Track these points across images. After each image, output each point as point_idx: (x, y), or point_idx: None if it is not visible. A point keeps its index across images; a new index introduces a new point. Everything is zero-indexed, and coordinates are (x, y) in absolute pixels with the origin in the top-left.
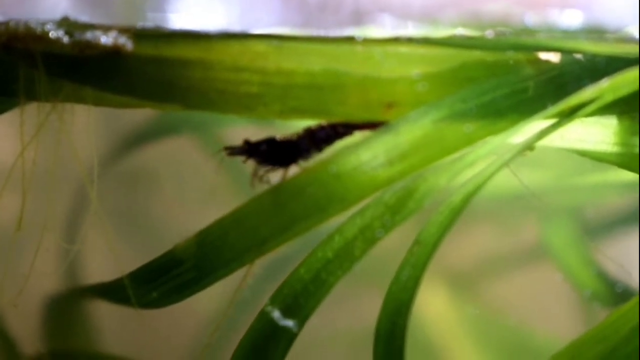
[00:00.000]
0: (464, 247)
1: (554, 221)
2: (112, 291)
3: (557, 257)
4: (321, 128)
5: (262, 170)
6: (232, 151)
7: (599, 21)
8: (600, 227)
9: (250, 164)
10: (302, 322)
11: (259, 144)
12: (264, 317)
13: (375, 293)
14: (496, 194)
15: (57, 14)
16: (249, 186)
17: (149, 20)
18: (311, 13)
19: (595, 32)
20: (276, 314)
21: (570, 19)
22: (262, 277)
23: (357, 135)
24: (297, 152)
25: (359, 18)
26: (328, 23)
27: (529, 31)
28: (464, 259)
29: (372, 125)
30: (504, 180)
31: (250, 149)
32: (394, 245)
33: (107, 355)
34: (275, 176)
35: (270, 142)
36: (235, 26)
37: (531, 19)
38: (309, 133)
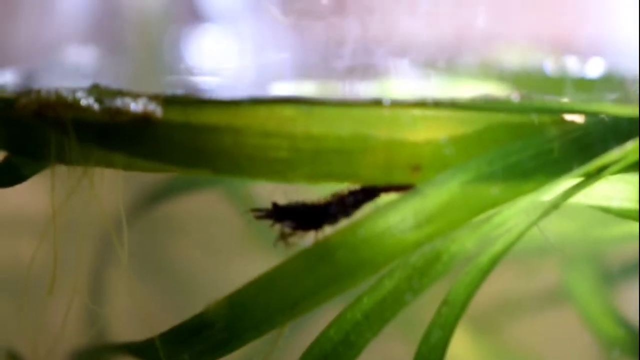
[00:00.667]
0: (485, 292)
1: (576, 270)
2: (144, 351)
3: (579, 304)
4: (350, 193)
5: (288, 233)
6: (260, 214)
7: (617, 66)
8: (621, 276)
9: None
10: None
11: (287, 208)
12: None
13: (399, 346)
14: (519, 243)
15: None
16: (276, 241)
17: (166, 71)
18: (326, 59)
19: (614, 79)
20: None
21: (589, 65)
22: (286, 335)
23: (384, 199)
24: (325, 217)
25: (375, 66)
26: (344, 71)
27: (550, 81)
28: (486, 303)
29: (398, 188)
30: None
31: (278, 213)
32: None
33: None
34: (301, 240)
35: (299, 206)
36: (249, 77)
37: (550, 66)
38: (338, 198)
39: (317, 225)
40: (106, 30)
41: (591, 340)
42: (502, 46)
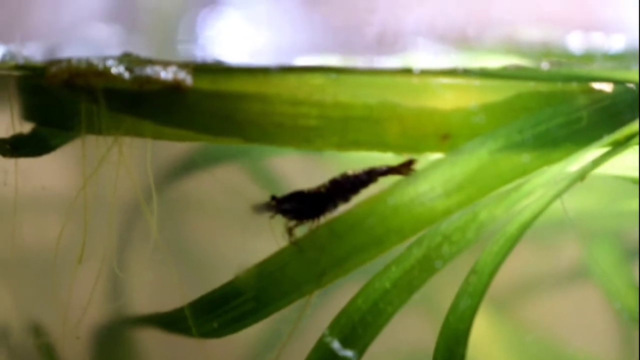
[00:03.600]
0: (506, 269)
1: (598, 244)
2: (172, 321)
3: (600, 279)
4: (346, 178)
5: (293, 225)
6: (260, 208)
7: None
8: None
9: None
10: (360, 352)
11: (285, 199)
12: (323, 347)
13: (423, 316)
14: (540, 217)
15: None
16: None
17: (183, 50)
18: (344, 41)
19: (636, 55)
20: (335, 345)
21: (613, 44)
22: (314, 303)
23: (382, 182)
24: (324, 204)
25: (395, 44)
26: (366, 50)
27: (576, 58)
28: (506, 280)
29: (396, 171)
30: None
31: (277, 205)
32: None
33: None
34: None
35: (297, 196)
36: (266, 55)
37: (575, 44)
38: (335, 184)
39: (317, 213)
40: (125, 10)
41: (614, 317)
42: (526, 25)
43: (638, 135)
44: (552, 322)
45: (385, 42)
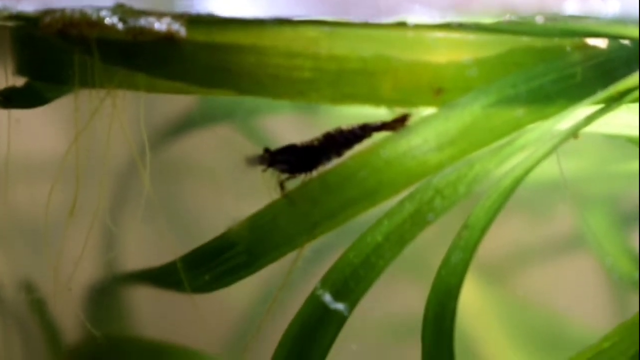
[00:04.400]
0: (496, 235)
1: (592, 209)
2: (163, 276)
3: (595, 244)
4: (340, 132)
5: (285, 178)
6: (253, 161)
7: (633, 10)
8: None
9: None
10: (352, 305)
11: (279, 152)
12: (314, 300)
13: (414, 281)
14: (532, 182)
15: None
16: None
17: (176, 5)
18: (337, 5)
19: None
20: (327, 298)
21: (607, 7)
22: (308, 259)
23: (376, 138)
24: (317, 158)
25: (385, 10)
26: (355, 15)
27: (570, 18)
28: (497, 247)
29: (389, 126)
30: (541, 168)
31: (270, 158)
32: (433, 233)
33: (150, 341)
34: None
35: (291, 149)
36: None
37: (568, 7)
38: (329, 138)
39: (310, 166)
40: None
41: (608, 283)
42: None
43: (632, 92)
44: (546, 290)
45: (379, 6)
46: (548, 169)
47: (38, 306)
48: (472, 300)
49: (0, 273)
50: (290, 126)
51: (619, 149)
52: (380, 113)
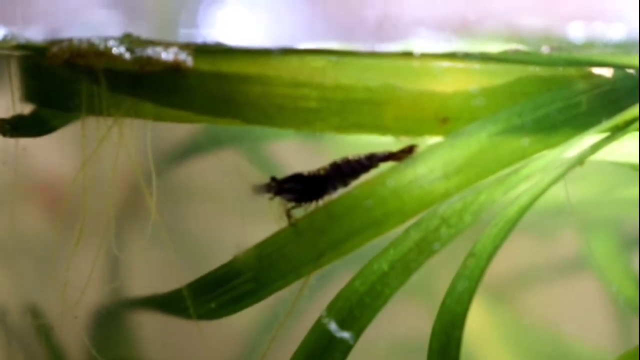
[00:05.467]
0: (502, 258)
1: (597, 233)
2: (169, 303)
3: (599, 268)
4: (347, 162)
5: (291, 207)
6: (260, 189)
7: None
8: None
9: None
10: (357, 333)
11: (285, 180)
12: (320, 328)
13: (420, 305)
14: (538, 206)
15: (94, 25)
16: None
17: (182, 35)
18: (343, 28)
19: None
20: (332, 326)
21: (614, 33)
22: (313, 286)
23: (382, 167)
24: (324, 187)
25: (394, 33)
26: (362, 38)
27: (576, 46)
28: (503, 270)
29: (396, 156)
30: (548, 192)
31: (277, 187)
32: (439, 258)
33: None
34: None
35: (297, 178)
36: (267, 42)
37: (575, 33)
38: (336, 167)
39: (316, 195)
40: None
41: (612, 306)
42: (526, 14)
43: (637, 121)
44: (550, 312)
45: (385, 30)
46: (554, 193)
47: (44, 331)
48: (477, 322)
49: (6, 298)
50: (297, 153)
51: (622, 175)
52: (386, 141)
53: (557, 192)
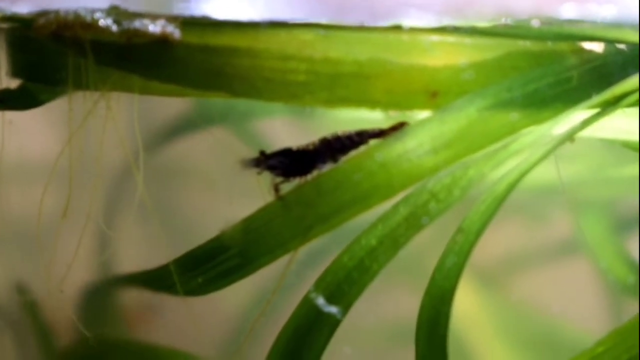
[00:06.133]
0: (494, 239)
1: (589, 213)
2: (156, 279)
3: (591, 250)
4: (337, 138)
5: (279, 181)
6: (248, 163)
7: (629, 15)
8: (636, 220)
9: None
10: (346, 308)
11: (274, 155)
12: (307, 303)
13: (409, 284)
14: (528, 186)
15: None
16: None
17: (176, 9)
18: (333, 9)
19: (629, 25)
20: (320, 301)
21: (604, 12)
22: (303, 262)
23: (372, 144)
24: (312, 162)
25: (381, 15)
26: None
27: (567, 22)
28: (494, 252)
29: (387, 133)
30: (537, 172)
31: (265, 161)
32: (428, 237)
33: (143, 343)
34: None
35: (286, 152)
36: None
37: (567, 12)
38: (325, 143)
39: (304, 171)
40: None
41: (603, 288)
42: None
43: (629, 96)
44: (541, 294)
45: (377, 14)
46: (544, 173)
47: (31, 308)
48: (467, 303)
49: None
50: (286, 129)
51: (613, 154)
52: (375, 117)
53: (549, 172)
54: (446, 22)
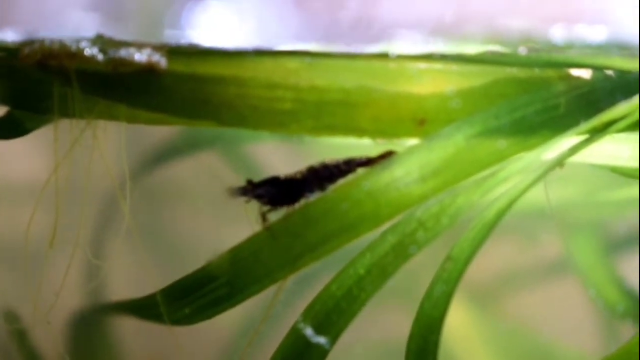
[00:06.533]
0: (486, 261)
1: (579, 236)
2: (144, 308)
3: (582, 272)
4: (324, 166)
5: (267, 210)
6: (235, 192)
7: (621, 37)
8: (626, 242)
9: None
10: (334, 338)
11: (261, 184)
12: (295, 334)
13: (398, 307)
14: (520, 209)
15: (76, 28)
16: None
17: (167, 37)
18: (329, 29)
19: (619, 48)
20: (308, 331)
21: (595, 35)
22: (291, 291)
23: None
24: (300, 191)
25: (377, 35)
26: (348, 39)
27: (556, 48)
28: (486, 272)
29: (375, 161)
30: (529, 195)
31: (253, 190)
32: (418, 260)
33: None
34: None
35: (274, 181)
36: (253, 42)
37: (556, 35)
38: (313, 172)
39: (292, 200)
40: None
41: (593, 309)
42: (506, 15)
43: (617, 123)
44: (533, 315)
45: (364, 32)
46: (535, 196)
47: (19, 337)
48: (459, 324)
49: None
50: (274, 154)
51: (603, 178)
52: (363, 143)
53: (538, 195)
54: (434, 47)
